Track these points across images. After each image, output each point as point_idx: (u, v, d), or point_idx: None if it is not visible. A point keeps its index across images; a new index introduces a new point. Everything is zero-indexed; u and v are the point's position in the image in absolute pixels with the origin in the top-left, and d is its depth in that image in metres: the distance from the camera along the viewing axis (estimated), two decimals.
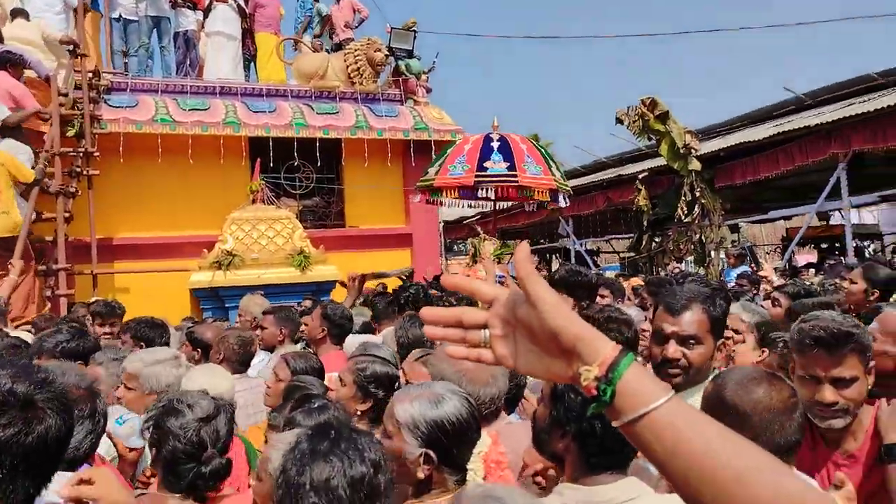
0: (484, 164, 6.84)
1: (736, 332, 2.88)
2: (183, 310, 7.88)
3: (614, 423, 0.75)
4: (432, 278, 8.05)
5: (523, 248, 0.77)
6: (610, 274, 14.46)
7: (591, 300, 3.27)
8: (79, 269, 8.08)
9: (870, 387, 1.70)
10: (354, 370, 2.44)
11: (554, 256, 23.92)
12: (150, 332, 3.82)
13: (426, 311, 0.80)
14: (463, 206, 9.65)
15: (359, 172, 10.29)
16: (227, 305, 7.68)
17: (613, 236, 22.04)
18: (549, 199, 7.52)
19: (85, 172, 8.23)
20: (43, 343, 2.87)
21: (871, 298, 3.71)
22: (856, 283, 3.86)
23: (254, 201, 8.72)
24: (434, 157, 7.95)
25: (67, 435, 1.20)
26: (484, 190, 6.89)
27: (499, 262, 7.15)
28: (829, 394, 1.73)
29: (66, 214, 7.48)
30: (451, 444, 1.56)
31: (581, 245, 19.10)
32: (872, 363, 1.66)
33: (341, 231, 10.46)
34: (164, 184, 9.31)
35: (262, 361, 4.05)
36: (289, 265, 8.32)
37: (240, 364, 3.43)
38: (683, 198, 13.09)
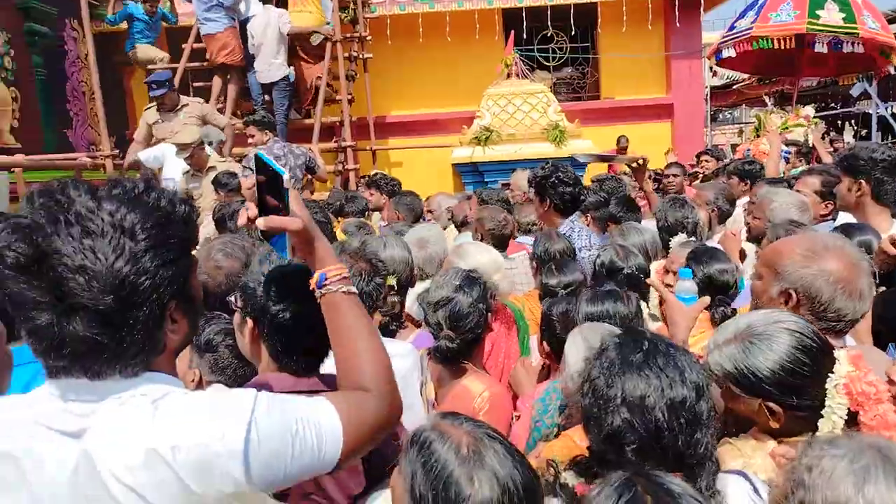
0: (816, 12, 5.89)
1: None
2: (446, 183, 8.54)
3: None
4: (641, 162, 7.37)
5: None
6: None
7: None
8: (360, 145, 9.13)
9: None
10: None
11: (847, 124, 20.27)
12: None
13: None
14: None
15: (615, 39, 9.67)
16: (486, 180, 8.11)
17: None
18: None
19: (361, 56, 9.04)
20: None
21: None
22: None
23: (508, 76, 8.80)
24: (702, 12, 7.08)
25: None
26: (820, 43, 5.97)
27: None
28: None
29: (349, 97, 8.39)
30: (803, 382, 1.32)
31: (887, 109, 15.80)
32: None
33: (596, 103, 10.11)
34: (425, 63, 9.84)
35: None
36: (544, 139, 8.38)
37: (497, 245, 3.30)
38: None
